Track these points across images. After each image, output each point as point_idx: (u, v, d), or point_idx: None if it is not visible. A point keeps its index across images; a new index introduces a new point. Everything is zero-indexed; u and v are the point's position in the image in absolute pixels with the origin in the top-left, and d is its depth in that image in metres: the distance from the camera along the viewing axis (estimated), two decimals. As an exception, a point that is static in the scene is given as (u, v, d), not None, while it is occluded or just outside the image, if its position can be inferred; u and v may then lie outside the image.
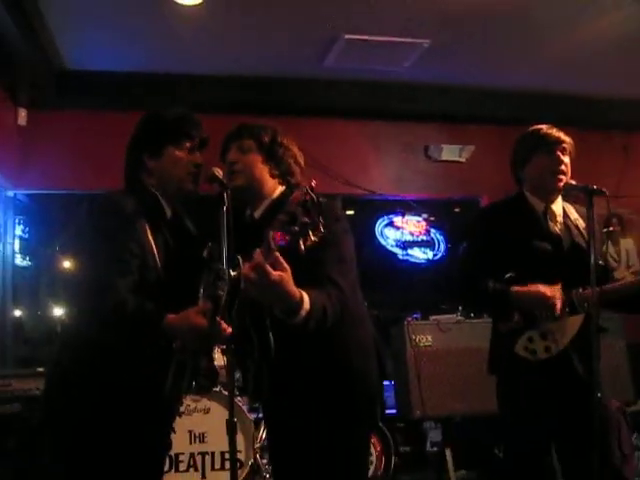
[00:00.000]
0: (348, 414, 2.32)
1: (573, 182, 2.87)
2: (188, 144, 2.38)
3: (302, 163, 2.53)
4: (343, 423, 2.30)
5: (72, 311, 2.34)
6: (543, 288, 2.74)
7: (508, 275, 2.79)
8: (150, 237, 2.26)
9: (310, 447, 2.31)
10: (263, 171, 2.45)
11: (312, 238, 1.87)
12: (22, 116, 5.45)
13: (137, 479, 2.26)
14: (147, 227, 2.26)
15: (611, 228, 6.27)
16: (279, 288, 1.94)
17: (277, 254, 1.93)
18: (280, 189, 2.46)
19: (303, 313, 2.04)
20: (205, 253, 2.17)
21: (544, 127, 2.94)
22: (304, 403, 2.33)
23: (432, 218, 6.69)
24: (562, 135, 2.90)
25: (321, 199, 2.22)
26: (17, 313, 5.90)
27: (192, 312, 2.12)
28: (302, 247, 1.86)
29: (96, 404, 2.17)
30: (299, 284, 2.07)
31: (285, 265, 1.95)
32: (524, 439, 2.85)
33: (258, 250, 1.94)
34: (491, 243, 2.88)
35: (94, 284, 2.15)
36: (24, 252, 5.93)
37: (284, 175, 2.47)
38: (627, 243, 6.43)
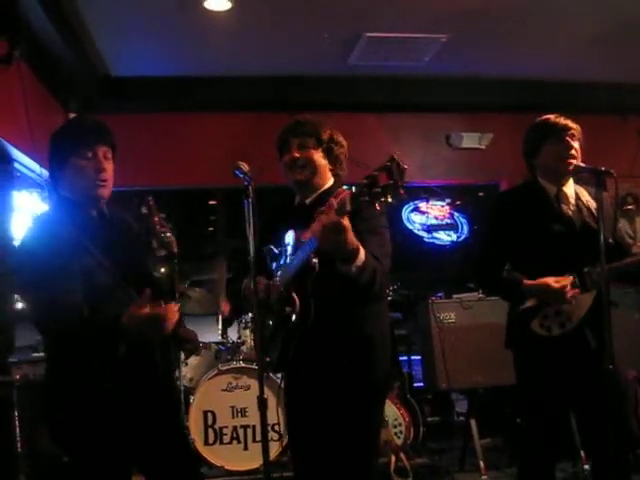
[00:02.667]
0: (367, 386, 2.38)
1: (582, 164, 2.82)
2: (89, 152, 2.31)
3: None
4: (363, 394, 2.37)
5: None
6: (552, 281, 2.70)
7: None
8: (84, 240, 2.23)
9: (328, 415, 2.38)
10: (322, 165, 2.54)
11: (389, 199, 1.92)
12: (73, 121, 5.53)
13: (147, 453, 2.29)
14: (79, 233, 2.23)
15: (628, 207, 6.17)
16: (344, 234, 2.07)
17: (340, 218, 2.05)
18: (332, 180, 2.57)
19: (359, 263, 2.18)
20: (153, 244, 2.20)
21: (552, 116, 2.89)
22: (327, 372, 2.39)
23: (457, 202, 6.66)
24: (570, 122, 2.85)
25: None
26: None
27: (132, 308, 2.10)
28: (377, 207, 1.94)
29: (93, 385, 2.17)
30: None
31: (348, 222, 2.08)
32: (542, 410, 2.82)
33: (331, 199, 2.07)
34: (506, 228, 2.86)
35: (50, 304, 2.14)
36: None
37: (336, 169, 2.57)
38: (642, 221, 6.29)
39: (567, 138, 2.81)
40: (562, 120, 2.84)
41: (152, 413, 2.27)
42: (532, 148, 2.91)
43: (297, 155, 2.52)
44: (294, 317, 2.27)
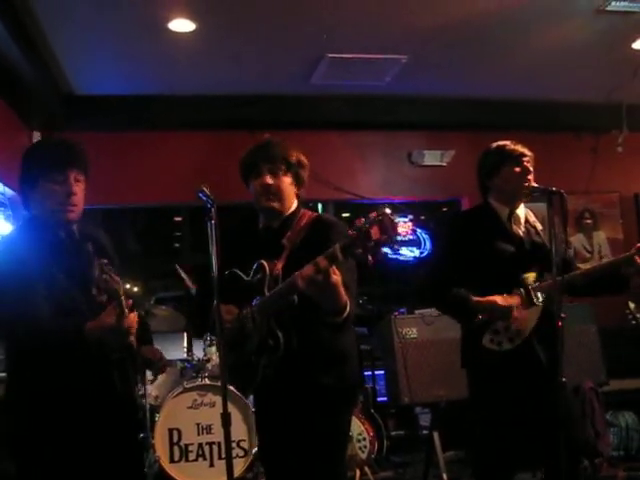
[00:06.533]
0: (337, 401, 2.44)
1: (535, 184, 2.95)
2: (60, 176, 2.32)
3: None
4: (332, 409, 2.42)
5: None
6: (499, 300, 2.82)
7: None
8: (49, 262, 2.26)
9: (300, 430, 2.41)
10: (291, 191, 2.55)
11: (381, 253, 1.98)
12: (36, 138, 5.49)
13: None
14: (46, 254, 2.26)
15: (586, 221, 6.33)
16: (335, 289, 2.08)
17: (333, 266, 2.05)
18: (295, 204, 2.57)
19: (345, 314, 2.18)
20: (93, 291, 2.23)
21: (509, 143, 3.04)
22: (302, 389, 2.42)
23: (420, 217, 6.73)
24: (526, 149, 3.02)
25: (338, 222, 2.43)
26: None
27: (102, 315, 2.16)
28: (371, 260, 1.97)
29: (46, 408, 2.20)
30: None
31: (338, 272, 2.08)
32: (497, 424, 2.89)
33: (321, 257, 2.05)
34: (459, 249, 2.97)
35: (15, 318, 2.18)
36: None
37: (300, 191, 2.59)
38: (599, 235, 6.46)
39: (525, 163, 2.96)
40: (520, 147, 3.00)
41: (107, 434, 2.28)
42: (490, 170, 3.03)
43: (270, 182, 2.49)
44: (279, 350, 2.30)
